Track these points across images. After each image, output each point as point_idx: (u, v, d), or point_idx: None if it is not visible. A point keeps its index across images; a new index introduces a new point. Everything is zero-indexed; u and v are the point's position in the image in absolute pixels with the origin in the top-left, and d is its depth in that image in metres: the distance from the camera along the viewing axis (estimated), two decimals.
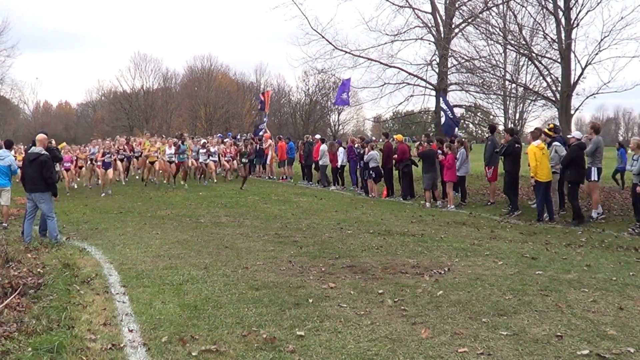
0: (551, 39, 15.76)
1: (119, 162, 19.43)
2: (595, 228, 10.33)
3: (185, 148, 18.97)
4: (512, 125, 23.35)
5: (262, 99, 24.55)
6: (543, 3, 15.44)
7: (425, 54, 22.47)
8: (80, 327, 4.79)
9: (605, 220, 11.08)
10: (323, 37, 20.97)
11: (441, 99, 19.02)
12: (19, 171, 11.61)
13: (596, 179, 11.09)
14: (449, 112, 17.70)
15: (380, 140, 18.36)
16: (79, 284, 6.32)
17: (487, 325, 4.79)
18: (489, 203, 13.90)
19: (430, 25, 21.01)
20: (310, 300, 5.56)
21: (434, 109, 21.87)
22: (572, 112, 15.34)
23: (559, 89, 15.21)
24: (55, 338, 4.36)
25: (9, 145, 11.19)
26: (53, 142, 14.27)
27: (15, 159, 12.37)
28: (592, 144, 10.96)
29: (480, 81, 19.81)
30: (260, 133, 23.73)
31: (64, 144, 22.90)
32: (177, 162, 18.80)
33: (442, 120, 18.35)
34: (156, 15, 63.98)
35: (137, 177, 22.18)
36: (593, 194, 11.38)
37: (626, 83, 16.18)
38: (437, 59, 21.04)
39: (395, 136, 16.75)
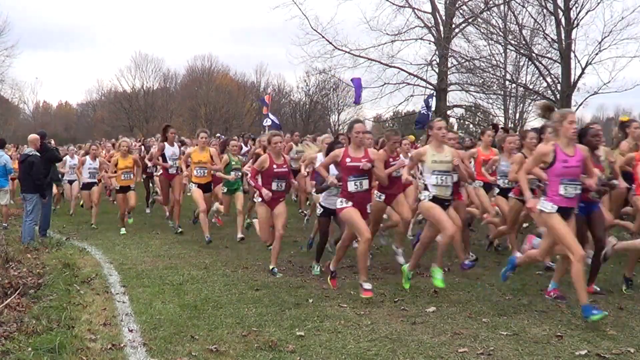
0: (551, 39, 15.77)
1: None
2: None
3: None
4: (512, 125, 23.37)
5: (268, 102, 23.86)
6: (543, 3, 15.45)
7: (426, 54, 22.33)
8: (80, 327, 4.79)
9: None
10: (323, 37, 20.96)
11: (430, 99, 19.07)
12: (13, 171, 11.62)
13: None
14: (426, 110, 17.80)
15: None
16: (79, 284, 6.32)
17: (487, 325, 4.79)
18: None
19: (430, 25, 20.99)
20: (310, 300, 5.56)
21: (434, 109, 21.88)
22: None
23: (559, 89, 15.21)
24: (55, 338, 4.35)
25: (2, 145, 11.17)
26: (52, 142, 14.23)
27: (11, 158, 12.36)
28: None
29: (480, 81, 19.82)
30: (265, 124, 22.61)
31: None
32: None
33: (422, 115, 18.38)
34: (157, 15, 64.00)
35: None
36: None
37: (626, 83, 16.15)
38: (437, 59, 21.03)
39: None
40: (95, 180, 11.49)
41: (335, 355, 4.17)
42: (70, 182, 12.67)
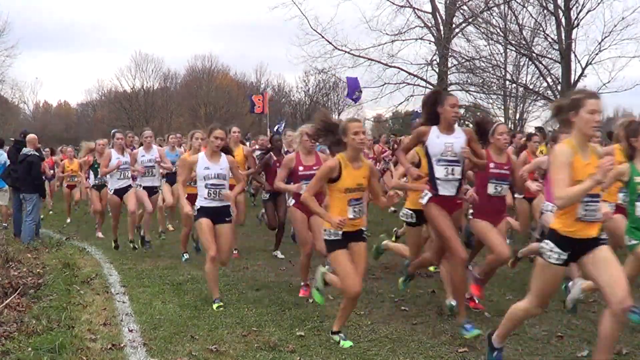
0: (552, 39, 15.78)
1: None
2: None
3: None
4: (512, 125, 23.39)
5: (255, 102, 23.45)
6: (544, 3, 15.47)
7: (426, 53, 22.35)
8: (80, 327, 4.79)
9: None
10: (323, 37, 20.94)
11: None
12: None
13: None
14: None
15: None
16: (79, 284, 6.32)
17: (487, 325, 4.78)
18: None
19: (430, 25, 21.00)
20: (310, 300, 5.55)
21: None
22: None
23: (559, 89, 15.23)
24: (55, 338, 4.35)
25: (0, 145, 11.14)
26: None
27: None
28: None
29: (480, 81, 19.82)
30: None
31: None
32: None
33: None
34: (157, 15, 64.02)
35: None
36: None
37: (626, 83, 16.18)
38: (437, 59, 21.04)
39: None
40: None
41: (335, 355, 4.17)
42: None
